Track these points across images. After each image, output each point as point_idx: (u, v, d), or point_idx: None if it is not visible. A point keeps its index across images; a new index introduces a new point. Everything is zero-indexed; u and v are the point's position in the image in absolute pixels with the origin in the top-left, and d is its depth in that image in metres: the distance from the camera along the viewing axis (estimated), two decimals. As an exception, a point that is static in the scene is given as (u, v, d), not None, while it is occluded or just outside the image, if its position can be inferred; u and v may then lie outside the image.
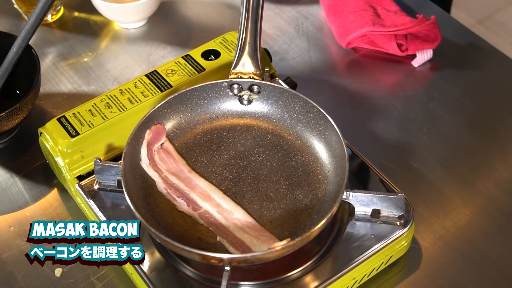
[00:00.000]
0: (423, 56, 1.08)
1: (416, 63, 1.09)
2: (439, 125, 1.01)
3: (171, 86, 0.94)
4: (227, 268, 0.73)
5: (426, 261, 0.85)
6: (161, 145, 0.86)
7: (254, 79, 0.88)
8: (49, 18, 1.16)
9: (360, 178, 0.88)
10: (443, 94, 1.05)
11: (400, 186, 0.86)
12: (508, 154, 0.98)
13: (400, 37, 1.07)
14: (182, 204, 0.81)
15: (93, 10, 1.15)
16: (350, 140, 0.90)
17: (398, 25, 1.06)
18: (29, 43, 0.94)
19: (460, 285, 0.84)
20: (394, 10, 1.11)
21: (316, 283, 0.78)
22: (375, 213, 0.83)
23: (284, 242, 0.73)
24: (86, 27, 1.17)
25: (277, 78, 0.99)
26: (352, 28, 1.08)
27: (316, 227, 0.74)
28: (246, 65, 0.88)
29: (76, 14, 1.19)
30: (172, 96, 0.87)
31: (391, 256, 0.83)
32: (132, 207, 0.76)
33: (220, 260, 0.72)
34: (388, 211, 0.82)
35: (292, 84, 1.00)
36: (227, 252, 0.77)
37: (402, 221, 0.82)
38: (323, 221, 0.74)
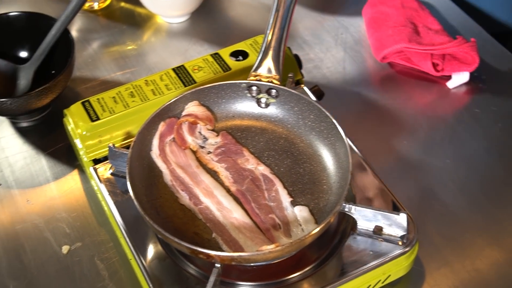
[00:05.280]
0: (459, 78, 1.06)
1: (451, 84, 1.07)
2: (465, 150, 0.98)
3: (195, 82, 0.95)
4: (218, 265, 0.74)
5: (428, 285, 0.84)
6: (174, 138, 0.87)
7: (273, 83, 0.88)
8: (96, 6, 1.20)
9: (369, 194, 0.86)
10: (474, 119, 1.02)
11: (413, 208, 0.84)
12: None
13: (437, 57, 1.05)
14: (184, 197, 0.82)
15: (139, 2, 1.18)
16: (369, 155, 0.89)
17: (435, 44, 1.04)
18: (73, 28, 0.97)
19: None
20: (436, 29, 1.09)
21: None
22: (378, 230, 0.81)
23: (272, 246, 0.73)
24: (131, 18, 1.20)
25: (302, 85, 0.99)
26: (388, 43, 1.07)
27: (308, 235, 0.73)
28: (267, 69, 0.88)
29: (122, 4, 1.22)
30: (190, 91, 0.88)
31: (389, 275, 0.81)
32: (132, 193, 0.77)
33: (208, 256, 0.73)
34: (390, 229, 0.81)
35: (319, 93, 0.99)
36: (220, 249, 0.77)
37: (405, 241, 0.81)
38: (316, 230, 0.74)
